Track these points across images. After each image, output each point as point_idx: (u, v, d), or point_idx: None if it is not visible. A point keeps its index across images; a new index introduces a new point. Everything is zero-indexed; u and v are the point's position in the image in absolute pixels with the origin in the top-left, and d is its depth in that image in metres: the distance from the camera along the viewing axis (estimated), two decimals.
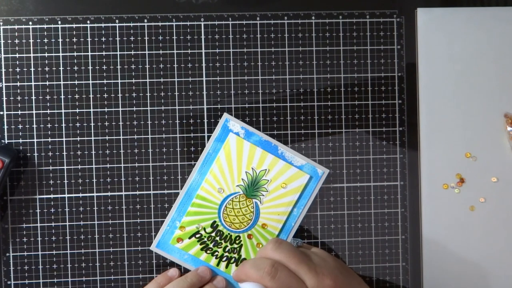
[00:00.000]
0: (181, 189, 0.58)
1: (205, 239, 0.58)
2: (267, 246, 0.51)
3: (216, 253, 0.58)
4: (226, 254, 0.58)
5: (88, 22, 0.58)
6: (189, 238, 0.58)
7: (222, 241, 0.58)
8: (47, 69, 0.57)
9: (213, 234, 0.58)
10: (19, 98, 0.57)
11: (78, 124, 0.58)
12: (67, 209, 0.58)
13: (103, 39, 0.58)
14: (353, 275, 0.54)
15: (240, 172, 0.58)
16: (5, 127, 0.57)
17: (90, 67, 0.58)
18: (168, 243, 0.58)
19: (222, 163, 0.58)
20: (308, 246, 0.57)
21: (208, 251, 0.58)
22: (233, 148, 0.58)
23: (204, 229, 0.58)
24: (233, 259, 0.58)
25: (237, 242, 0.58)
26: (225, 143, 0.58)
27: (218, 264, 0.58)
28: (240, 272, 0.51)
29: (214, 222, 0.58)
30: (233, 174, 0.58)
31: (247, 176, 0.58)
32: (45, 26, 0.57)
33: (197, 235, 0.58)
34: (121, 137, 0.58)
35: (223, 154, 0.58)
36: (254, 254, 0.58)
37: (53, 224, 0.58)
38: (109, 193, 0.58)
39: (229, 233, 0.58)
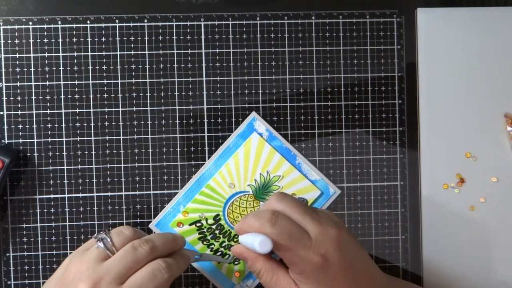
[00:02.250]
0: (181, 189, 0.58)
1: (205, 230, 0.58)
2: (271, 198, 0.50)
3: (212, 246, 0.58)
4: (222, 249, 0.58)
5: (88, 22, 0.58)
6: (190, 225, 0.58)
7: (221, 236, 0.58)
8: (47, 69, 0.57)
9: (213, 227, 0.58)
10: (19, 98, 0.57)
11: (78, 124, 0.58)
12: (67, 209, 0.58)
13: (103, 39, 0.58)
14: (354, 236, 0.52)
15: (255, 172, 0.58)
16: (5, 127, 0.57)
17: (90, 67, 0.58)
18: (168, 225, 0.58)
19: (239, 159, 0.58)
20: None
21: (205, 242, 0.58)
22: (254, 147, 0.58)
23: (206, 219, 0.58)
24: (227, 256, 0.58)
25: (235, 240, 0.58)
26: (247, 141, 0.58)
27: None
28: (243, 224, 0.49)
29: (218, 215, 0.58)
30: (247, 173, 0.58)
31: (260, 178, 0.58)
32: (45, 26, 0.57)
33: (198, 224, 0.58)
34: (121, 137, 0.58)
35: (243, 151, 0.58)
36: None
37: (53, 224, 0.58)
38: (109, 193, 0.58)
39: (229, 229, 0.58)
